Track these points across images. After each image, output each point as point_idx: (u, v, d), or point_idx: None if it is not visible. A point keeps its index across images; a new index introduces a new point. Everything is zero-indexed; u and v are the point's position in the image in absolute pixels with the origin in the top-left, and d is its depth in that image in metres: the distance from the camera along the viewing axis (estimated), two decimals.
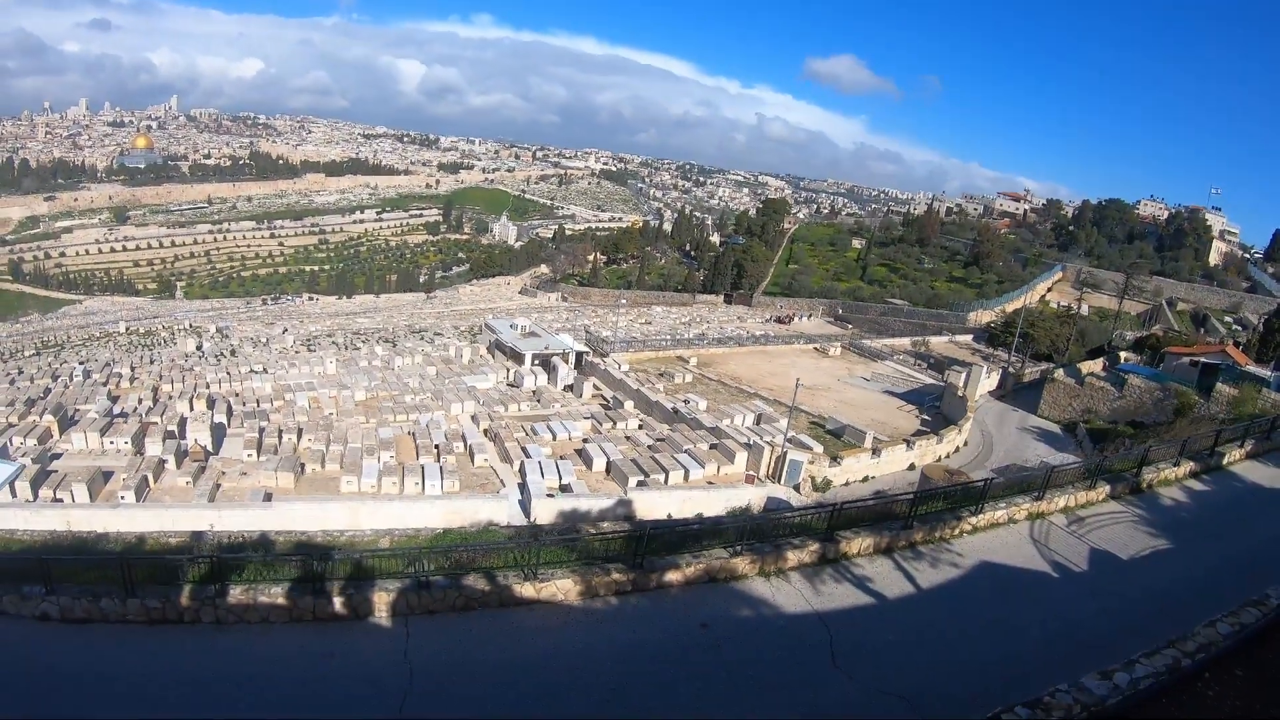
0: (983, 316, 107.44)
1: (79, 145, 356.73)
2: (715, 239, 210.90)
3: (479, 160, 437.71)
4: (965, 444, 54.34)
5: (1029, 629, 18.53)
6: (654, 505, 37.71)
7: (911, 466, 48.25)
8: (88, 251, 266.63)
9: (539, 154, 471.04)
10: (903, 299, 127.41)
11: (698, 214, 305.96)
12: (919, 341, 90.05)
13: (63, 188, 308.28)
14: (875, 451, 48.18)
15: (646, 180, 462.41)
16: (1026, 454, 51.57)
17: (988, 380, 67.76)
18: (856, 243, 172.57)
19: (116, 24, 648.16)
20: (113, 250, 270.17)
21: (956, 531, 23.30)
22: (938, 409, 60.14)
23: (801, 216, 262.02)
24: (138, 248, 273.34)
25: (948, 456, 51.27)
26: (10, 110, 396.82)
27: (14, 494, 36.58)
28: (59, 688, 16.15)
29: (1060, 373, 63.89)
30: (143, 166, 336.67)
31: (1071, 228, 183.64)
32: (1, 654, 17.21)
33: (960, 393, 59.13)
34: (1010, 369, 74.07)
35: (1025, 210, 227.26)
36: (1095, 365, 66.81)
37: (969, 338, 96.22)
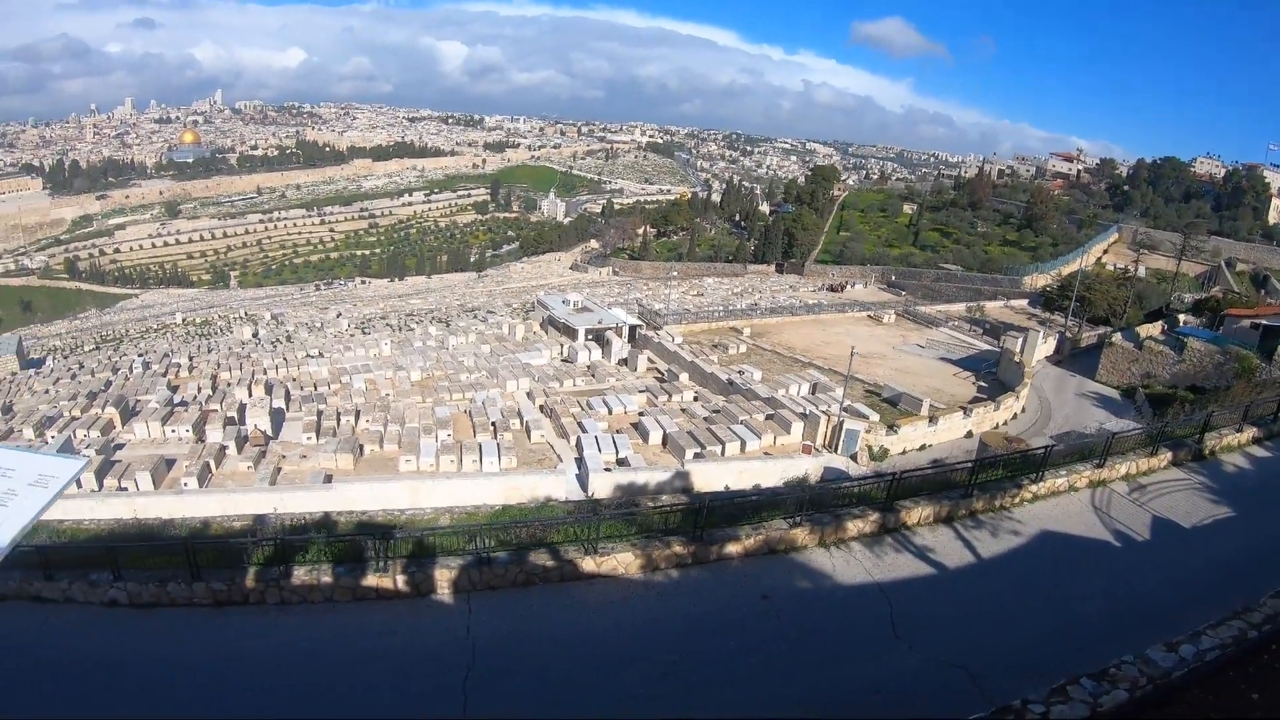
0: (1038, 280, 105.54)
1: (127, 144, 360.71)
2: (765, 208, 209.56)
3: (524, 138, 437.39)
4: (1023, 410, 53.65)
5: (1091, 599, 18.27)
6: (711, 477, 37.66)
7: (969, 434, 47.79)
8: (141, 247, 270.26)
9: (584, 129, 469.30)
10: (956, 264, 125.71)
11: (746, 184, 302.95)
12: (974, 307, 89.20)
13: (113, 186, 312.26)
14: (932, 419, 47.73)
15: (693, 151, 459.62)
16: (1085, 420, 50.84)
17: (1044, 345, 66.77)
18: (907, 208, 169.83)
19: (159, 22, 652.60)
20: (166, 244, 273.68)
21: (1017, 500, 23.04)
22: (994, 375, 59.36)
23: (851, 183, 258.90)
24: (190, 240, 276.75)
25: (1005, 423, 50.74)
26: (58, 113, 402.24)
27: (79, 484, 36.86)
28: (128, 671, 16.44)
29: (1118, 337, 62.69)
30: (191, 161, 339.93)
31: (1126, 187, 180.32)
32: (73, 640, 17.49)
33: (1017, 358, 58.32)
34: (1067, 334, 72.94)
35: (1079, 170, 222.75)
36: (1154, 329, 65.43)
37: (1024, 302, 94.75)
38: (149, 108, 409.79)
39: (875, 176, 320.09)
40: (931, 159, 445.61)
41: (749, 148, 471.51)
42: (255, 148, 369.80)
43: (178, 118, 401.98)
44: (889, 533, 21.18)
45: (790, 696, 14.89)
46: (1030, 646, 16.04)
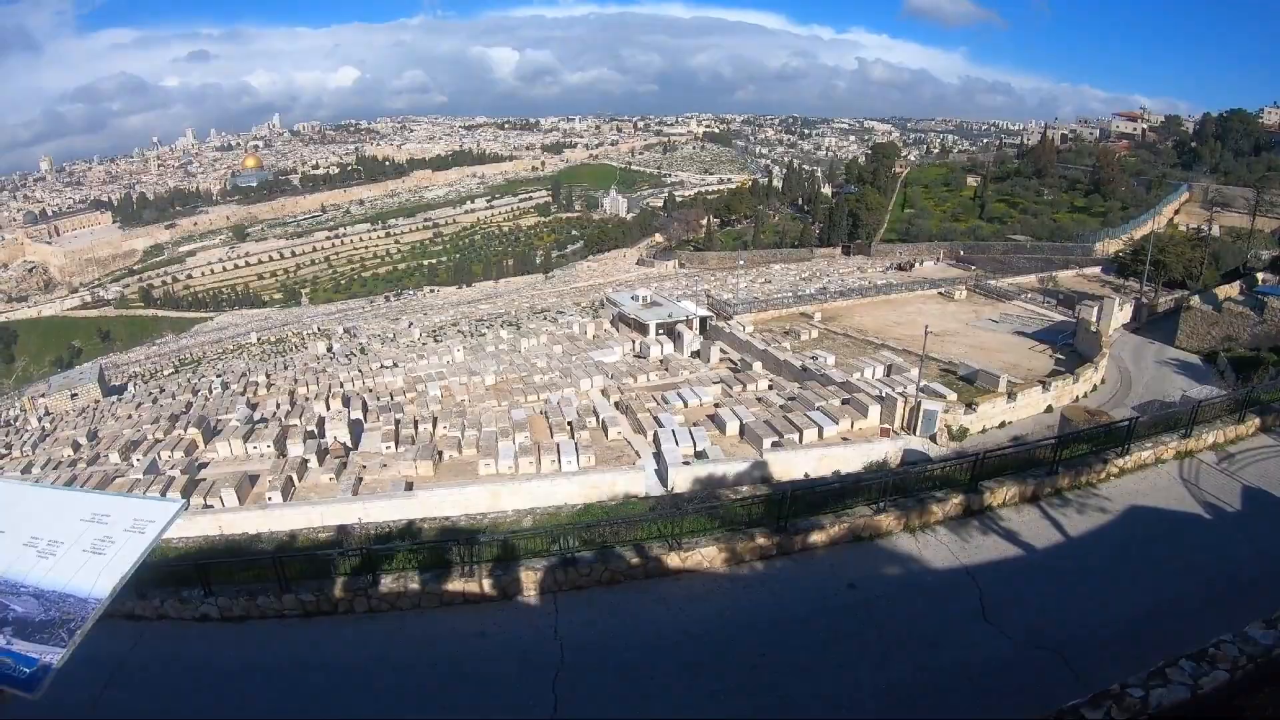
0: (1110, 246, 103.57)
1: (191, 173, 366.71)
2: (827, 190, 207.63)
3: (581, 138, 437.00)
4: (1102, 382, 52.84)
5: (1184, 575, 17.94)
6: (790, 465, 37.68)
7: (1049, 409, 47.21)
8: (212, 271, 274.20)
9: (640, 124, 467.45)
10: (1024, 234, 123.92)
11: (806, 167, 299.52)
12: (1046, 277, 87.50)
13: (181, 214, 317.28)
14: (1010, 395, 47.21)
15: (750, 138, 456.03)
16: (1167, 389, 49.67)
17: (1120, 313, 65.54)
18: (971, 180, 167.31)
19: (213, 54, 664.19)
20: (236, 267, 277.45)
21: (1103, 475, 22.58)
22: (1071, 347, 58.31)
23: (912, 159, 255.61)
24: (260, 261, 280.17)
25: (1085, 396, 50.03)
26: (122, 149, 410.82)
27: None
28: (222, 683, 16.92)
29: (1195, 300, 61.15)
30: (255, 184, 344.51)
31: (1193, 144, 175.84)
32: (167, 654, 17.95)
33: (1093, 328, 57.34)
34: (1143, 299, 71.34)
35: (1143, 130, 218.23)
36: (1232, 289, 63.76)
37: (1097, 269, 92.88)
38: (209, 137, 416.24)
39: (936, 150, 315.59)
40: (991, 128, 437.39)
41: (806, 130, 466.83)
42: (316, 167, 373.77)
43: (238, 144, 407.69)
44: (974, 515, 20.95)
45: (881, 685, 14.88)
46: (1124, 627, 15.77)
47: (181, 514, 2.81)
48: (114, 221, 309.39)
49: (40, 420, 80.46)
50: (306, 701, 16.00)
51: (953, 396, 46.88)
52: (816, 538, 20.16)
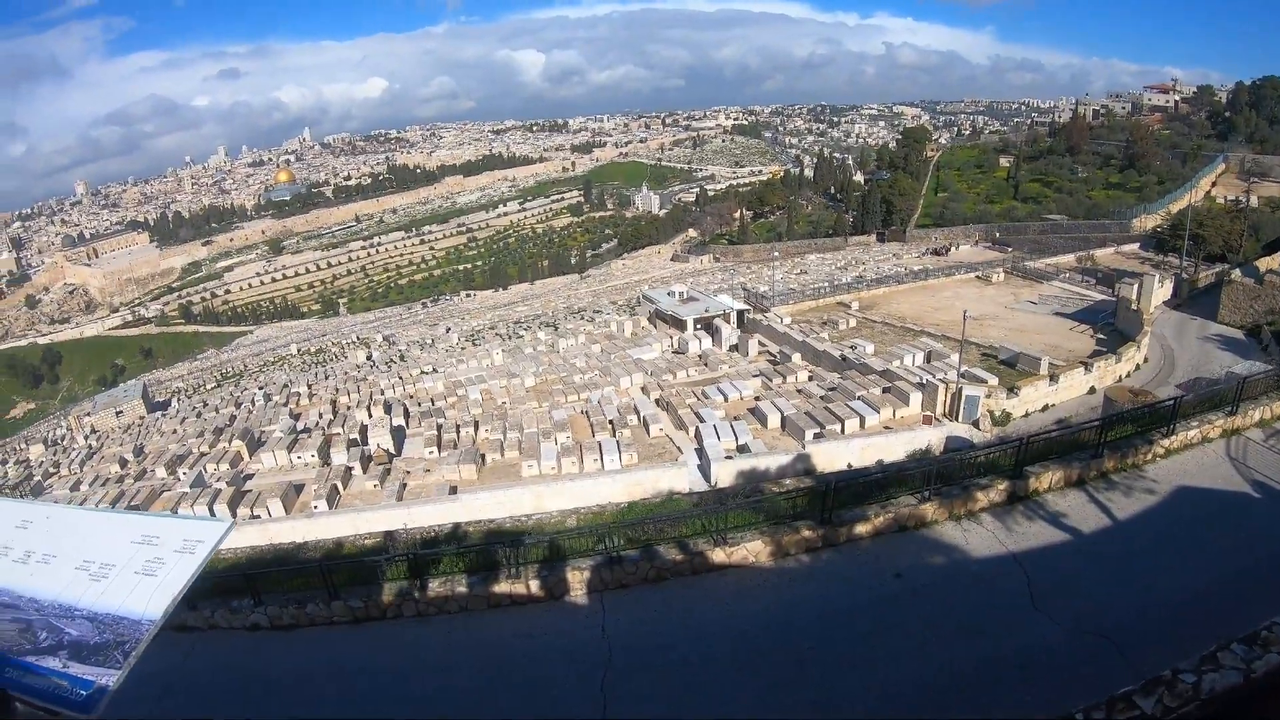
0: (1147, 222, 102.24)
1: (225, 190, 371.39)
2: (859, 178, 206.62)
3: (610, 136, 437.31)
4: (1145, 360, 52.23)
5: (1234, 556, 17.65)
6: (833, 456, 37.53)
7: (1092, 390, 46.77)
8: (250, 285, 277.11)
9: (668, 120, 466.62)
10: (1060, 213, 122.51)
11: (837, 155, 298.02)
12: (1083, 256, 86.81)
13: (217, 231, 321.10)
14: (1053, 378, 46.80)
15: (779, 129, 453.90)
16: (1211, 365, 49.01)
17: (1161, 289, 64.56)
18: (1004, 161, 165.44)
19: (242, 71, 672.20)
20: (273, 280, 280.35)
21: (1148, 456, 22.29)
22: (1112, 326, 57.70)
23: (943, 142, 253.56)
24: (296, 274, 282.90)
25: (1128, 376, 49.50)
26: (155, 170, 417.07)
27: (213, 514, 38.51)
28: (274, 691, 17.30)
29: (1237, 273, 60.06)
30: (288, 198, 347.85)
31: (1228, 114, 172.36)
32: (219, 664, 18.32)
33: (1134, 306, 56.64)
34: (1183, 275, 70.35)
35: (1176, 101, 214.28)
36: (1274, 261, 62.42)
37: (1135, 246, 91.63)
38: (241, 153, 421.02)
39: (967, 132, 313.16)
40: (1022, 107, 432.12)
41: (835, 118, 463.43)
42: (348, 178, 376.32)
43: (270, 159, 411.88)
44: (1019, 500, 20.81)
45: (930, 675, 14.88)
46: (1174, 611, 15.58)
47: (230, 534, 2.86)
48: (151, 241, 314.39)
49: (86, 438, 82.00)
50: (358, 707, 16.28)
51: (994, 381, 46.58)
52: (861, 529, 20.17)
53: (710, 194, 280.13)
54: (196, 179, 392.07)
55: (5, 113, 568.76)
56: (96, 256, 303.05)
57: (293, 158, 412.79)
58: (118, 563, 2.74)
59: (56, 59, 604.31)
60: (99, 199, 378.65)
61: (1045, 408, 45.26)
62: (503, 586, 19.44)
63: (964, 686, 14.47)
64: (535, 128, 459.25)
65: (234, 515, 39.03)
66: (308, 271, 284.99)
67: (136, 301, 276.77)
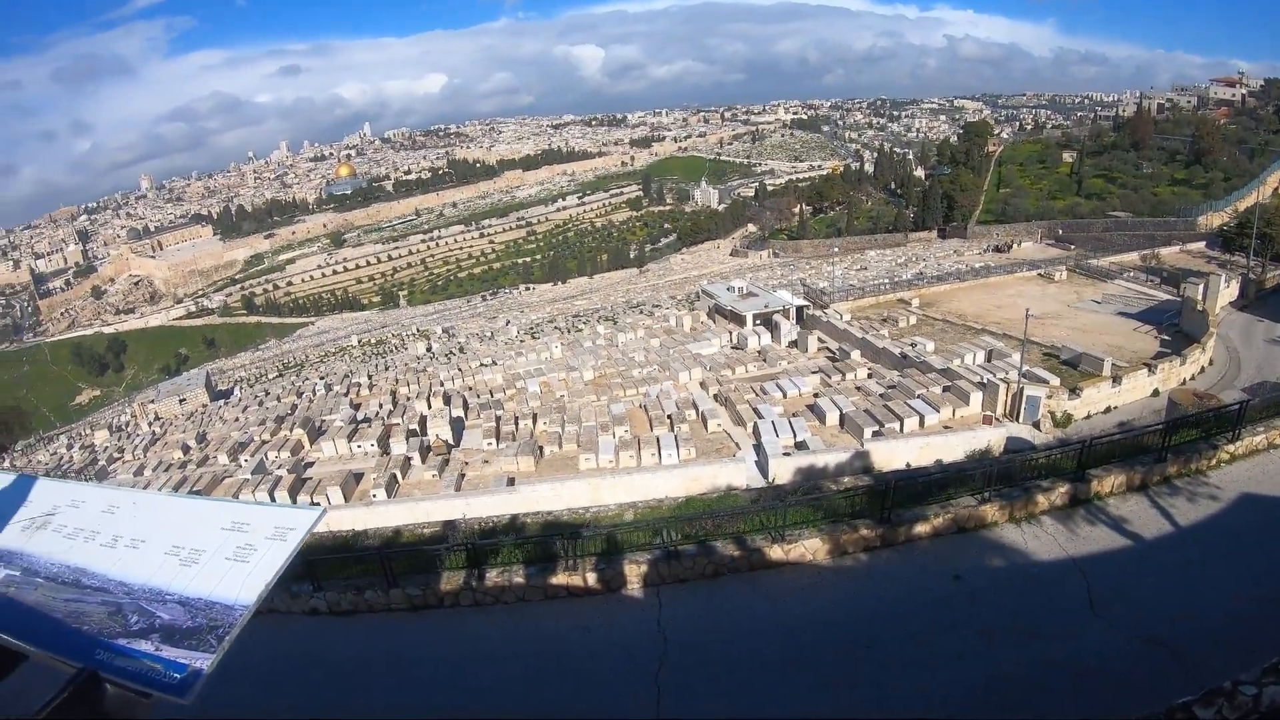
0: (1213, 220, 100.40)
1: (287, 184, 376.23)
2: (920, 173, 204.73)
3: (669, 131, 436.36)
4: (1210, 363, 51.32)
5: None
6: (891, 455, 37.34)
7: (1155, 393, 46.09)
8: (311, 277, 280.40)
9: (727, 114, 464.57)
10: (1124, 210, 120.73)
11: (897, 149, 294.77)
12: (1148, 255, 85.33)
13: (279, 224, 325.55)
14: (1115, 379, 46.16)
15: (839, 123, 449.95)
16: (1278, 368, 48.40)
17: (1227, 290, 63.32)
18: (1067, 156, 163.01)
19: (303, 68, 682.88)
20: (335, 272, 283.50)
21: (1213, 461, 21.90)
22: (1176, 327, 56.60)
23: (1004, 136, 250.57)
24: (357, 266, 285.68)
25: (1193, 378, 48.69)
26: (219, 164, 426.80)
27: (273, 500, 39.48)
28: (333, 676, 17.55)
29: None
30: (349, 192, 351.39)
31: None
32: (279, 649, 18.47)
33: (1199, 307, 55.62)
34: (1250, 275, 68.96)
35: (1243, 95, 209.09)
36: None
37: (1201, 244, 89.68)
38: (303, 148, 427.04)
39: (1029, 127, 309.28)
40: (1085, 101, 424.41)
41: (895, 112, 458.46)
42: (408, 172, 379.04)
43: (331, 154, 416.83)
44: (1080, 504, 20.59)
45: (985, 679, 14.80)
46: (1236, 620, 15.31)
47: (321, 520, 2.86)
48: (214, 234, 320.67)
49: (150, 425, 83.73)
50: (415, 694, 16.49)
51: (1056, 382, 46.06)
52: (921, 529, 20.13)
53: (769, 189, 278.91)
54: (259, 173, 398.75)
55: (72, 111, 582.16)
56: (161, 249, 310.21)
57: (353, 152, 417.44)
58: (208, 548, 2.74)
59: (121, 58, 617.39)
60: (163, 193, 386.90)
61: (1107, 409, 44.69)
62: (560, 578, 19.64)
63: (1019, 691, 14.39)
64: (594, 122, 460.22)
65: (294, 501, 39.69)
66: (368, 264, 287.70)
67: (200, 293, 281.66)
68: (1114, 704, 13.19)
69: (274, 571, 2.67)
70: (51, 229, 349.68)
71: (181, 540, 2.80)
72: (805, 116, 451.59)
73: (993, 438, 38.73)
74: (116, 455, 71.45)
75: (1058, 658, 15.03)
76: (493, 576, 19.94)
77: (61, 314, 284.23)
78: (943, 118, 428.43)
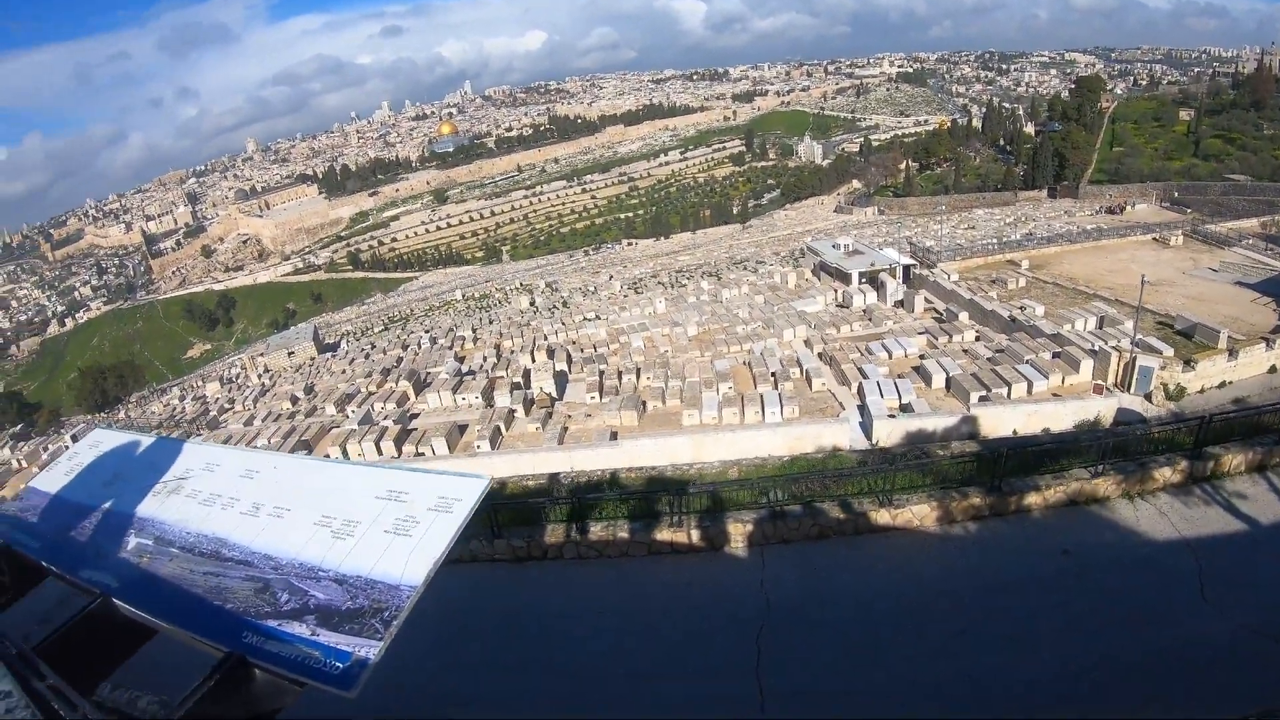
0: None
1: (390, 143, 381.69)
2: (1029, 129, 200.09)
3: (771, 85, 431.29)
4: None
5: None
6: (999, 421, 36.86)
7: (1273, 369, 44.49)
8: (415, 234, 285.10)
9: (830, 68, 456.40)
10: (1244, 173, 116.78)
11: (1006, 104, 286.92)
12: (1268, 222, 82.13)
13: (382, 182, 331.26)
14: (1231, 353, 44.42)
15: (946, 76, 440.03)
16: None
17: None
18: (1184, 114, 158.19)
19: (404, 28, 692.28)
20: (438, 228, 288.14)
21: None
22: None
23: (1118, 92, 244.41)
24: (460, 222, 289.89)
25: None
26: (322, 126, 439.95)
27: (380, 452, 41.20)
28: (437, 624, 17.97)
29: None
30: (451, 150, 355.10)
31: None
32: None
33: None
34: None
35: None
36: None
37: None
38: (405, 108, 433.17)
39: (1144, 82, 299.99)
40: (1203, 56, 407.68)
41: (1004, 65, 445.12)
42: (510, 129, 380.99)
43: (433, 113, 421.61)
44: (1197, 482, 19.98)
45: (1090, 660, 14.53)
46: None
47: (488, 490, 2.60)
48: (320, 193, 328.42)
49: (260, 377, 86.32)
50: (519, 644, 16.90)
51: (1169, 352, 44.72)
52: (1031, 500, 19.92)
53: (874, 144, 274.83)
54: (362, 133, 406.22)
55: (177, 79, 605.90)
56: (268, 208, 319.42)
57: (455, 110, 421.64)
58: (363, 520, 2.53)
59: (223, 26, 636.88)
60: (269, 155, 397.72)
61: (1222, 384, 43.30)
62: (664, 534, 19.91)
63: (1124, 675, 14.15)
64: (695, 77, 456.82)
65: (399, 453, 41.19)
66: (471, 220, 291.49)
67: (306, 250, 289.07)
68: (1219, 696, 12.97)
69: (442, 548, 2.49)
70: (161, 192, 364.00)
71: (332, 509, 2.59)
72: (911, 70, 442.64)
73: (1103, 408, 37.98)
74: (227, 406, 73.76)
75: (1164, 643, 14.60)
76: (596, 530, 20.35)
77: (173, 273, 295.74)
78: (1053, 71, 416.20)
